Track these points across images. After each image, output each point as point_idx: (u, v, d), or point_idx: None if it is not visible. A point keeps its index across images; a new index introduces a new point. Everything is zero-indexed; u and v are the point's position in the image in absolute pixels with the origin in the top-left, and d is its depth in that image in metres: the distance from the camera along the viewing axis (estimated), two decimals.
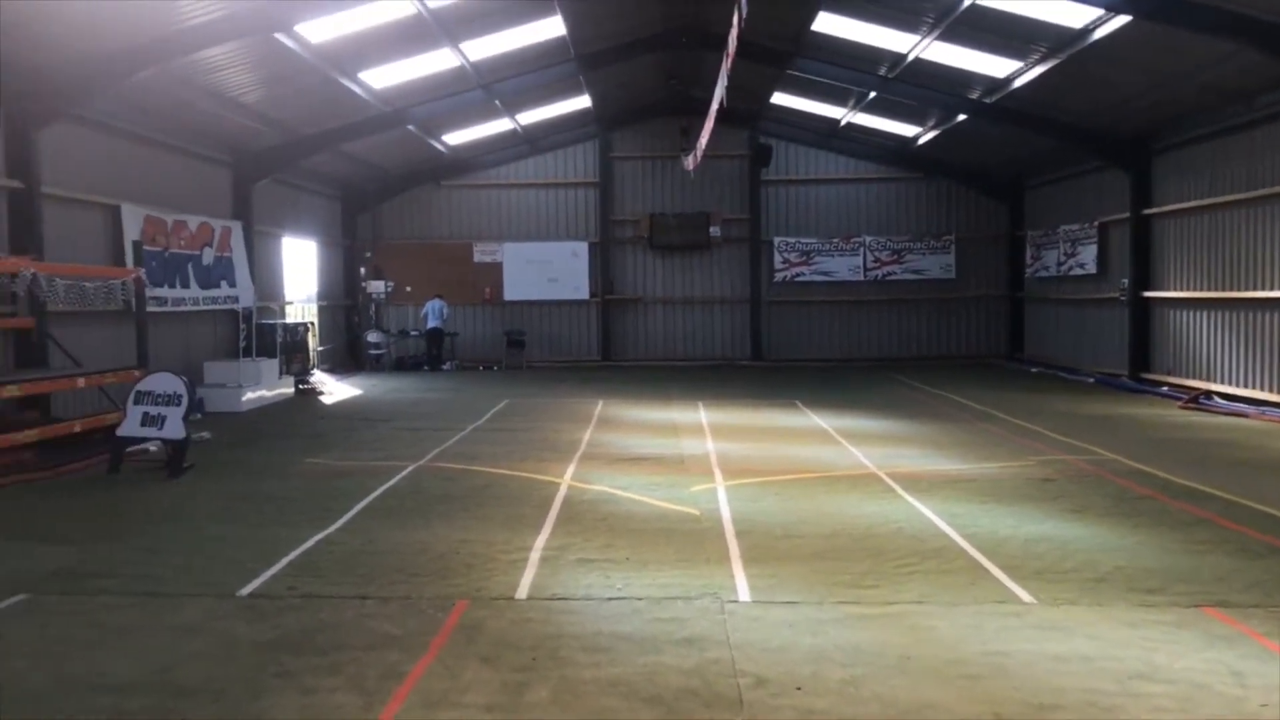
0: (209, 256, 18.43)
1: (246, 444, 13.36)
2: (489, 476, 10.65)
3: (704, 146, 19.10)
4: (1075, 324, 23.18)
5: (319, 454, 12.35)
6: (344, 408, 17.74)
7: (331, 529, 8.30)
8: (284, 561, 7.28)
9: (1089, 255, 22.00)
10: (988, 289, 26.94)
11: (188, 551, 7.64)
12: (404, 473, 10.87)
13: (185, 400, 11.20)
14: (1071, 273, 22.91)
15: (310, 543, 7.83)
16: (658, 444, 13.10)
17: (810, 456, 12.06)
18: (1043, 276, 24.74)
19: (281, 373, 19.16)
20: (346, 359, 26.31)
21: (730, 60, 12.94)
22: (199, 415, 15.65)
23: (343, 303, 26.53)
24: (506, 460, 11.70)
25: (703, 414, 16.40)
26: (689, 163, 22.78)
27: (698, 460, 11.79)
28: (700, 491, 9.89)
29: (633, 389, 20.72)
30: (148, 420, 11.16)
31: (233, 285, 19.21)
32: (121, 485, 10.47)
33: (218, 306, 18.60)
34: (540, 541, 7.86)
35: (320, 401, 18.77)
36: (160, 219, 16.66)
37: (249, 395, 17.05)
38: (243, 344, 17.24)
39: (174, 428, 11.09)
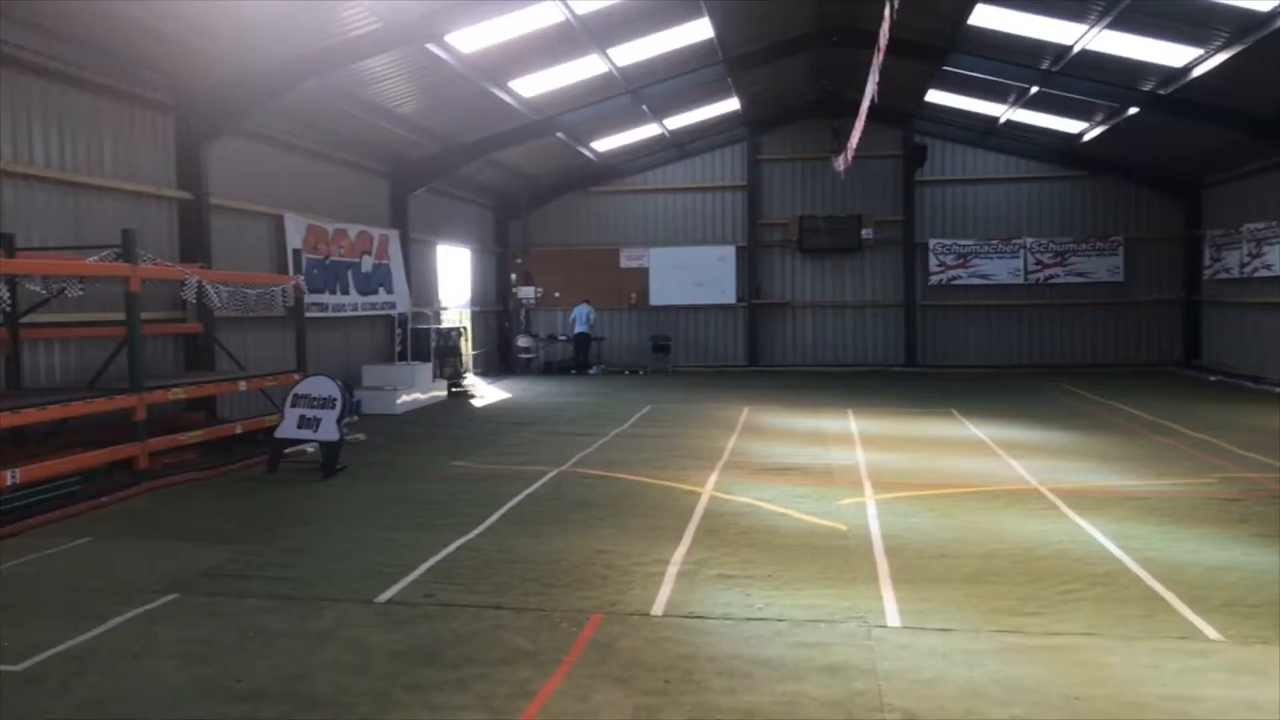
0: (368, 264, 18.99)
1: (397, 446, 13.65)
2: (629, 484, 10.52)
3: (855, 147, 18.53)
4: (1260, 329, 21.50)
5: (465, 457, 12.49)
6: (492, 411, 17.99)
7: (471, 534, 8.31)
8: (422, 568, 7.29)
9: (1276, 256, 20.37)
10: (1160, 292, 25.33)
11: (331, 555, 7.76)
12: (545, 478, 10.85)
13: (339, 404, 11.48)
14: (1256, 274, 21.27)
15: (450, 549, 7.84)
16: (804, 453, 12.72)
17: (967, 469, 11.48)
18: (1223, 279, 23.07)
19: (435, 376, 19.58)
20: (498, 363, 26.79)
21: (881, 56, 12.49)
22: (355, 417, 16.14)
23: (494, 308, 27.03)
24: (647, 467, 11.55)
25: (852, 422, 15.89)
26: (840, 164, 22.24)
27: (846, 471, 11.37)
28: (848, 505, 9.50)
29: (780, 395, 20.32)
30: (304, 423, 11.49)
31: (390, 291, 19.76)
32: (277, 485, 10.80)
33: (376, 312, 19.16)
34: (679, 554, 7.65)
35: (471, 404, 19.10)
36: (321, 227, 17.26)
37: (404, 398, 17.47)
38: (398, 349, 17.71)
39: (328, 430, 11.39)
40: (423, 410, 17.90)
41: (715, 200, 26.95)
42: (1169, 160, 23.78)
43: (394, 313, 19.46)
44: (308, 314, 16.39)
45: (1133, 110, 19.48)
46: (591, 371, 25.74)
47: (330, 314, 17.43)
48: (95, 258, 9.89)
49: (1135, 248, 25.30)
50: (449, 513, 9.21)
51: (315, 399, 11.55)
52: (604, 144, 24.76)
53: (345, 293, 18.07)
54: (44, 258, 10.11)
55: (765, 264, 26.81)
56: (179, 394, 10.84)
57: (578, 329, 25.57)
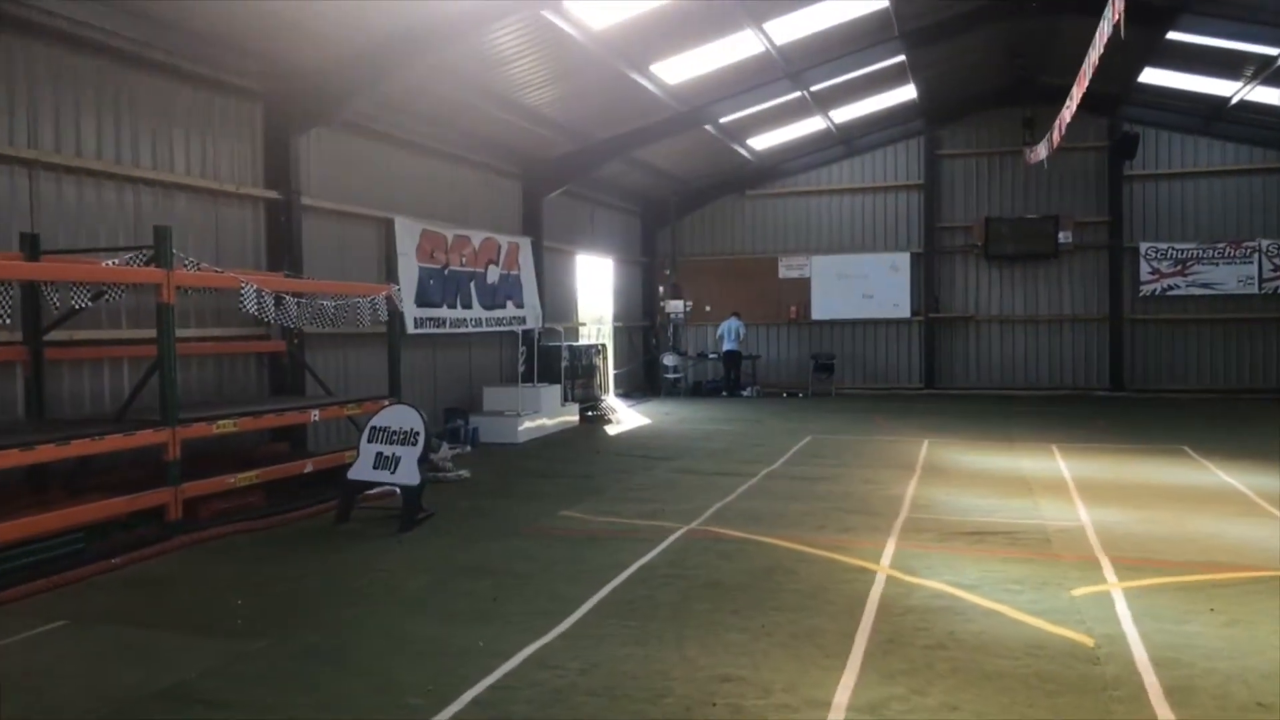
0: (494, 274, 17.11)
1: (504, 486, 11.52)
2: (776, 553, 8.00)
3: (1064, 127, 15.46)
4: None
5: (578, 503, 10.23)
6: (626, 440, 15.75)
7: (550, 635, 5.98)
8: (466, 698, 5.01)
9: None
10: None
11: (354, 664, 5.59)
12: (669, 540, 8.45)
13: (422, 439, 9.41)
14: None
15: (515, 661, 5.54)
16: (1008, 507, 9.90)
17: (1236, 537, 8.46)
18: None
19: (566, 399, 17.51)
20: (643, 382, 24.62)
21: (1119, 12, 9.65)
22: (468, 448, 14.15)
23: (640, 323, 24.88)
24: (801, 526, 9.01)
25: (1061, 462, 12.88)
26: (1035, 154, 19.09)
27: (1069, 537, 8.53)
28: (1086, 598, 6.72)
29: (964, 425, 17.32)
30: (381, 462, 9.48)
31: (519, 305, 17.84)
32: (340, 541, 8.80)
33: (502, 328, 17.24)
34: (844, 690, 5.11)
35: (604, 432, 16.91)
36: (439, 234, 15.44)
37: (526, 425, 15.44)
38: (521, 369, 15.69)
39: (407, 472, 9.33)
40: (549, 439, 15.80)
41: (887, 202, 24.03)
42: None
43: (523, 329, 17.50)
44: (421, 330, 14.64)
45: None
46: (744, 393, 23.24)
47: (448, 330, 15.56)
48: (114, 260, 8.10)
49: None
50: (532, 593, 6.93)
51: (395, 433, 9.52)
52: (761, 141, 22.28)
53: (467, 306, 16.21)
54: (57, 261, 8.41)
55: (945, 272, 23.70)
56: (227, 426, 8.96)
57: (726, 346, 23.10)
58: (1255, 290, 21.74)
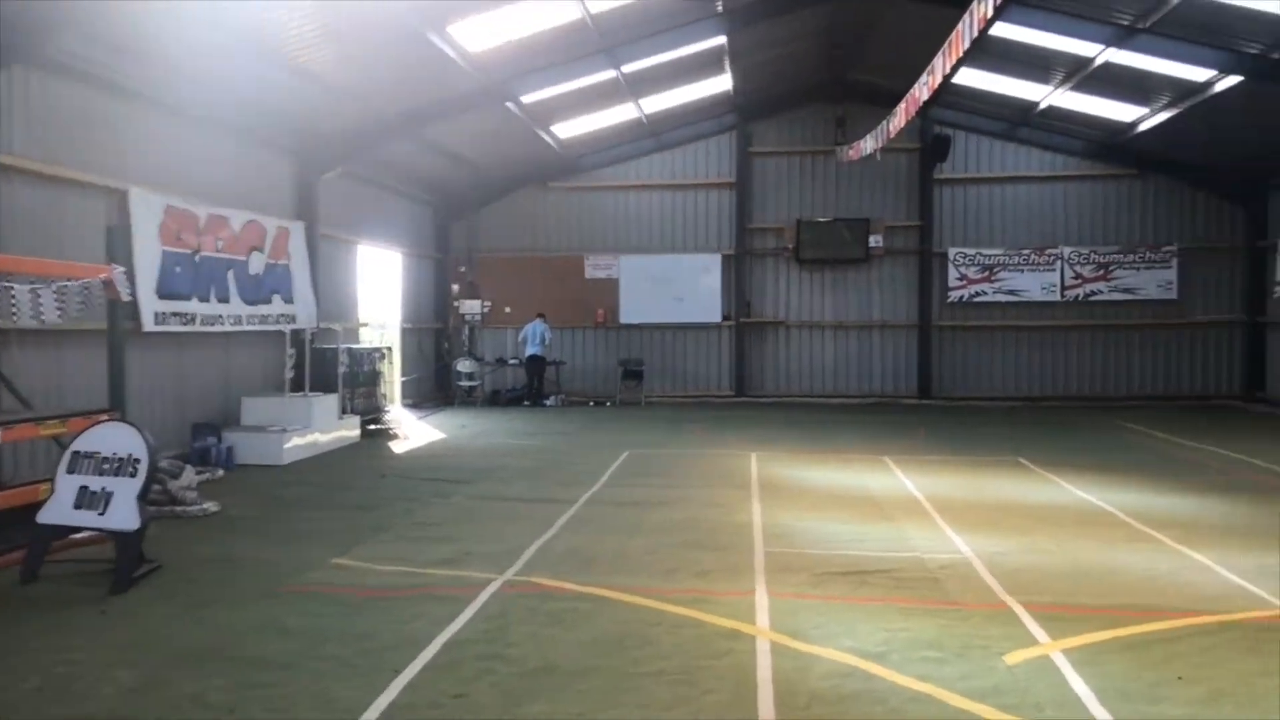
0: (258, 263, 14.52)
1: (261, 523, 9.17)
2: (623, 614, 6.17)
3: (899, 127, 14.55)
4: None
5: (357, 546, 8.07)
6: (417, 459, 13.56)
7: None
8: None
9: None
10: (1219, 313, 21.51)
11: None
12: (480, 599, 6.45)
13: (144, 468, 7.02)
14: None
15: None
16: (872, 536, 8.48)
17: (1144, 573, 7.29)
18: None
19: (344, 411, 15.10)
20: (435, 392, 22.30)
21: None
22: (219, 472, 11.60)
23: (432, 325, 22.55)
24: (647, 571, 7.22)
25: (902, 477, 11.71)
26: (856, 149, 18.26)
27: (959, 576, 7.13)
28: (1025, 666, 5.24)
29: (785, 435, 16.10)
30: (86, 499, 7.02)
31: (289, 300, 15.28)
32: (17, 610, 6.32)
33: (269, 327, 14.65)
34: None
35: (390, 449, 14.62)
36: (188, 212, 12.78)
37: (295, 442, 12.98)
38: (289, 375, 13.19)
39: (122, 512, 6.92)
40: (322, 459, 13.38)
41: (699, 200, 22.74)
42: (1236, 154, 20.01)
43: (293, 328, 14.97)
44: (163, 327, 12.04)
45: (1231, 81, 15.56)
46: (548, 403, 21.35)
47: (199, 328, 12.90)
48: None
49: (1191, 259, 21.47)
50: (290, 699, 4.80)
51: (106, 460, 7.09)
52: (568, 128, 20.49)
53: (224, 300, 13.58)
54: None
55: (757, 276, 22.62)
56: None
57: (529, 350, 21.17)
58: (1058, 298, 21.75)
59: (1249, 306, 21.25)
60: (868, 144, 17.62)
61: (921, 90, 12.13)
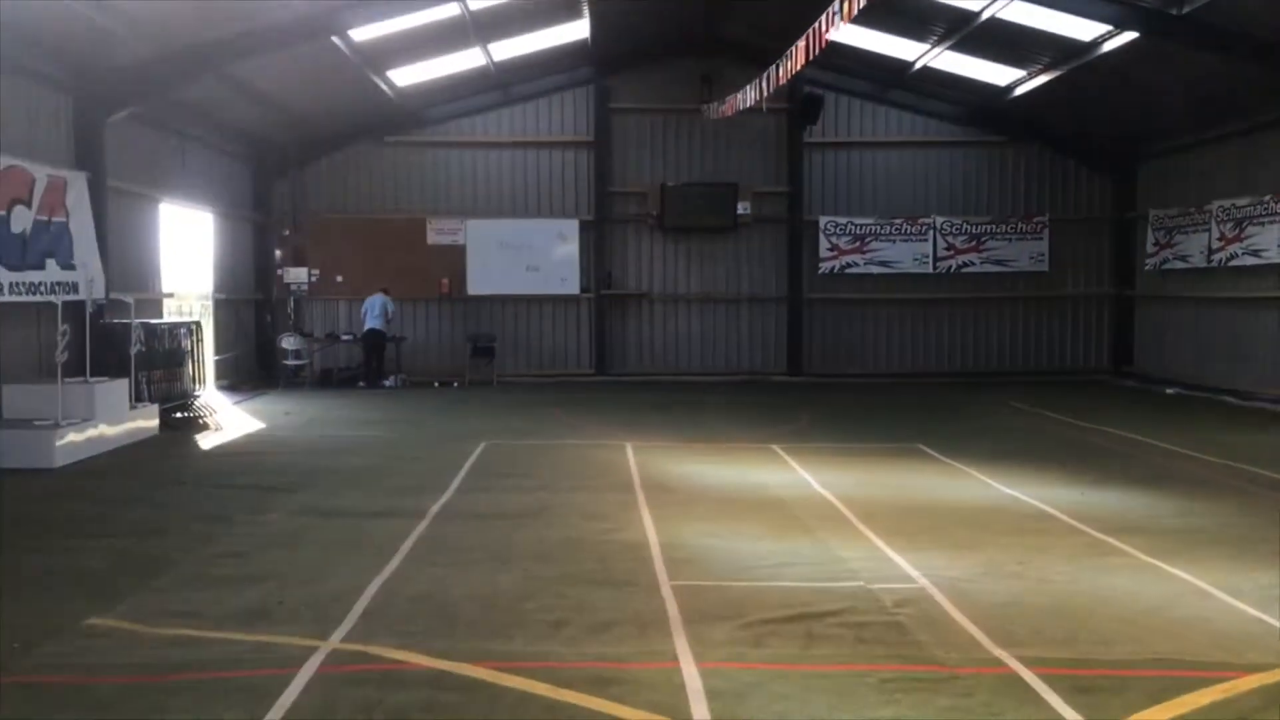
0: (24, 219, 11.82)
1: (3, 556, 6.87)
2: (504, 711, 4.32)
3: (775, 86, 13.14)
4: (1239, 330, 17.34)
5: (127, 594, 5.93)
6: (229, 457, 11.27)
7: None
8: None
9: (1268, 239, 16.19)
10: (1088, 286, 21.08)
11: None
12: (292, 687, 4.47)
13: None
14: (1232, 263, 17.08)
15: None
16: (798, 557, 6.89)
17: (1137, 599, 5.95)
18: (1175, 269, 18.91)
19: (137, 398, 12.60)
20: (256, 372, 19.69)
21: None
22: None
23: (251, 296, 19.89)
24: (528, 627, 5.38)
25: (803, 473, 10.23)
26: (724, 109, 16.79)
27: (925, 616, 5.59)
28: None
29: (659, 420, 14.52)
30: None
31: (67, 266, 12.61)
32: None
33: (40, 298, 11.99)
34: None
35: (196, 444, 12.24)
36: None
37: (70, 439, 10.50)
38: (60, 357, 10.62)
39: None
40: (107, 460, 10.90)
41: (554, 159, 20.77)
42: (1109, 123, 19.48)
43: (72, 299, 12.35)
44: None
45: (1128, 36, 14.66)
46: (387, 384, 19.09)
47: None
48: None
49: (1062, 231, 20.90)
50: None
51: None
52: (406, 74, 18.20)
53: None
54: None
55: (618, 244, 20.87)
56: None
57: (368, 324, 18.85)
58: (930, 269, 20.85)
59: (1117, 280, 20.87)
60: (749, 95, 16.14)
61: (825, 25, 10.58)
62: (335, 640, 5.10)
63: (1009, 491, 9.30)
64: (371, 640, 5.09)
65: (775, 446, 11.97)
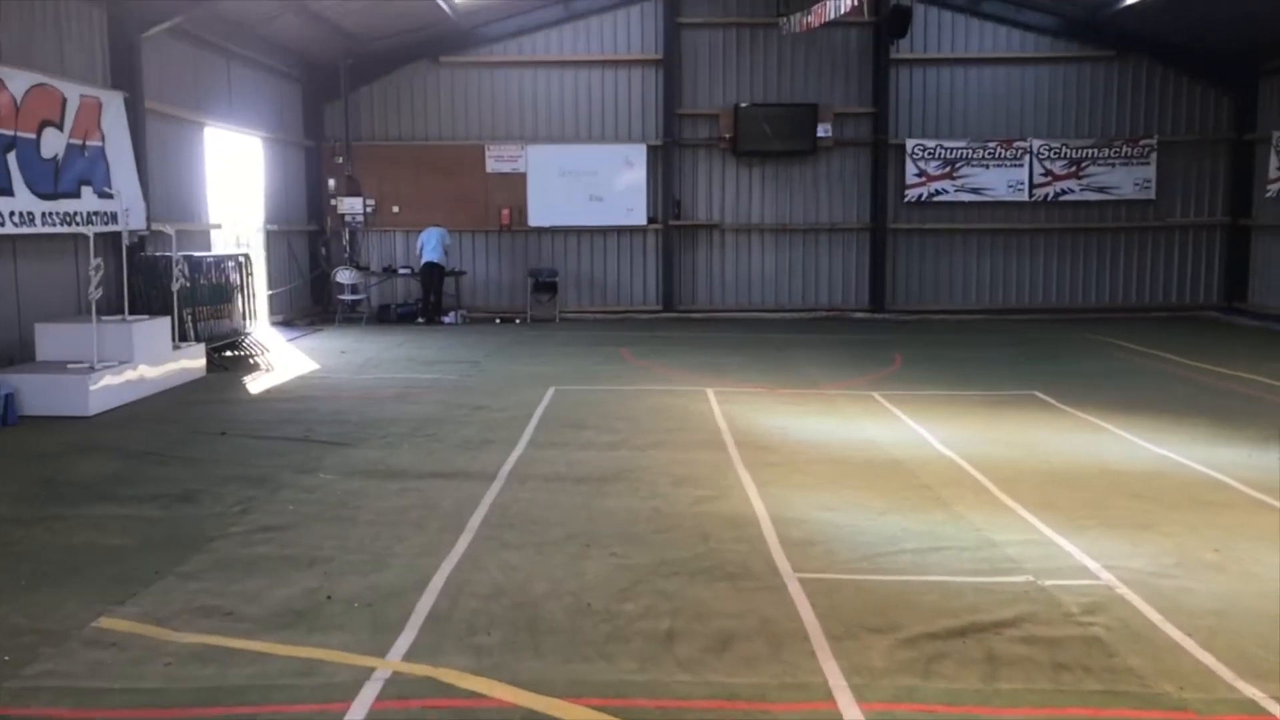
0: (55, 143, 10.90)
1: (7, 533, 5.96)
2: None
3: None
4: None
5: (150, 581, 4.97)
6: (278, 402, 10.34)
7: None
8: None
9: None
10: (1199, 214, 19.35)
11: None
12: None
13: None
14: None
15: None
16: (942, 540, 5.74)
17: None
18: None
19: (182, 337, 11.72)
20: (310, 306, 18.83)
21: None
22: None
23: (305, 227, 18.95)
24: (630, 641, 4.32)
25: (913, 424, 9.07)
26: (794, 26, 15.39)
27: (1140, 638, 4.40)
28: None
29: (737, 361, 13.37)
30: None
31: (102, 194, 11.68)
32: None
33: (76, 229, 11.09)
34: None
35: (243, 388, 11.34)
36: None
37: (107, 383, 9.63)
38: (94, 293, 9.69)
39: None
40: (147, 406, 10.04)
41: (619, 79, 19.38)
42: (1227, 34, 17.60)
43: (113, 229, 11.44)
44: None
45: None
46: (447, 320, 18.13)
47: None
48: None
49: (1171, 155, 19.16)
50: None
51: None
52: None
53: (4, 191, 10.00)
54: None
55: (687, 171, 19.52)
56: None
57: (426, 257, 17.83)
58: (1025, 197, 19.27)
59: (1232, 207, 19.13)
60: (831, 7, 14.74)
61: None
62: (395, 658, 4.09)
63: (1159, 451, 8.05)
64: (440, 659, 4.07)
65: (875, 394, 10.78)
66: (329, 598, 4.77)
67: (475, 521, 6.06)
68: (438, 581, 4.98)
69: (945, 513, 6.33)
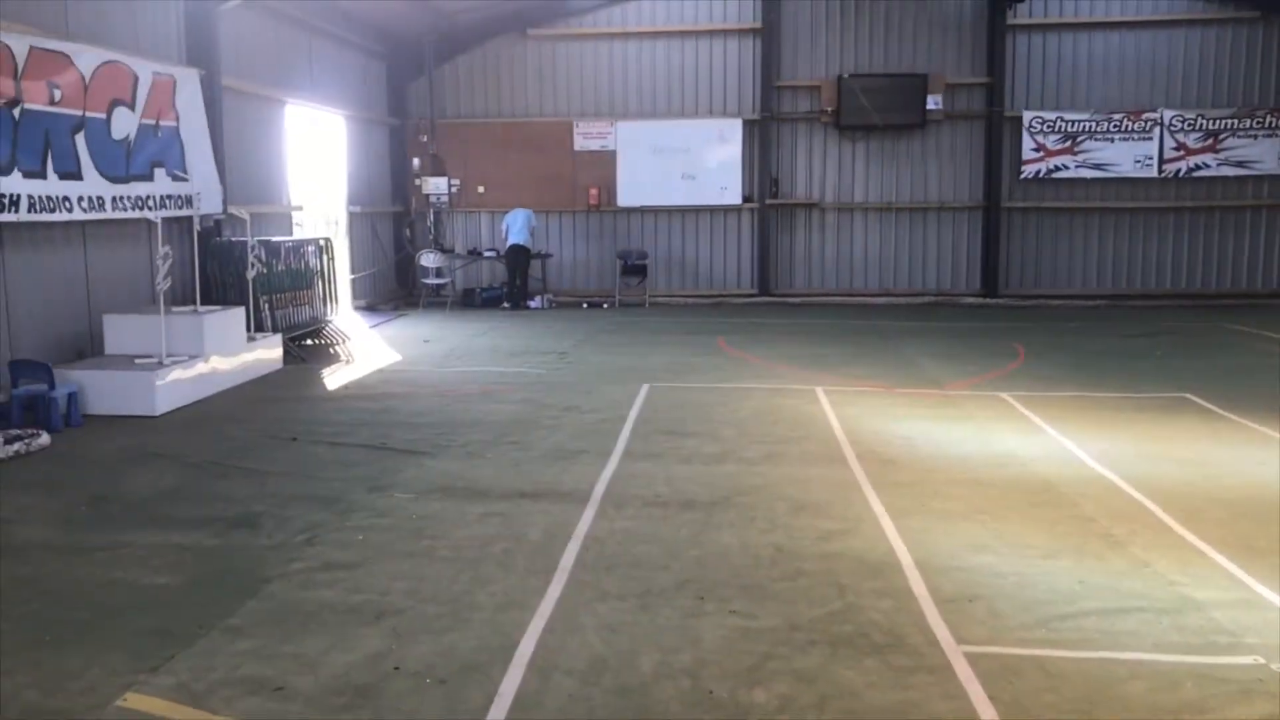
0: (127, 123, 10.34)
1: (39, 565, 5.30)
2: None
3: None
4: None
5: (188, 645, 4.23)
6: (353, 401, 9.65)
7: None
8: None
9: None
10: None
11: None
12: None
13: None
14: None
15: None
16: (1129, 599, 4.71)
17: None
18: None
19: (258, 327, 11.14)
20: (395, 290, 18.29)
21: None
22: (42, 438, 7.63)
23: (389, 209, 18.38)
24: None
25: (1057, 435, 8.00)
26: None
27: None
28: None
29: (843, 352, 12.37)
30: None
31: (177, 177, 11.12)
32: None
33: (150, 213, 10.53)
34: None
35: (320, 383, 10.71)
36: None
37: (175, 378, 9.05)
38: (162, 282, 9.08)
39: None
40: (217, 403, 9.44)
41: (714, 50, 18.32)
42: None
43: (187, 213, 10.88)
44: None
45: None
46: (533, 304, 17.42)
47: (24, 215, 8.81)
48: None
49: None
50: None
51: None
52: None
53: (69, 175, 9.45)
54: None
55: (785, 147, 18.43)
56: None
57: (512, 240, 17.10)
58: (1154, 173, 17.75)
59: None
60: None
61: None
62: None
63: None
64: None
65: (1004, 394, 9.70)
66: (396, 668, 3.98)
67: (568, 559, 5.22)
68: (526, 648, 4.15)
69: (1124, 557, 5.30)
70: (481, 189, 18.50)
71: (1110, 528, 5.78)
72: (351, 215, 16.72)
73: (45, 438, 7.55)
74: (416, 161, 18.45)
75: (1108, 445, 7.70)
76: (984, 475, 6.93)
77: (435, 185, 18.22)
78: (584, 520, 5.88)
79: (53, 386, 8.15)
